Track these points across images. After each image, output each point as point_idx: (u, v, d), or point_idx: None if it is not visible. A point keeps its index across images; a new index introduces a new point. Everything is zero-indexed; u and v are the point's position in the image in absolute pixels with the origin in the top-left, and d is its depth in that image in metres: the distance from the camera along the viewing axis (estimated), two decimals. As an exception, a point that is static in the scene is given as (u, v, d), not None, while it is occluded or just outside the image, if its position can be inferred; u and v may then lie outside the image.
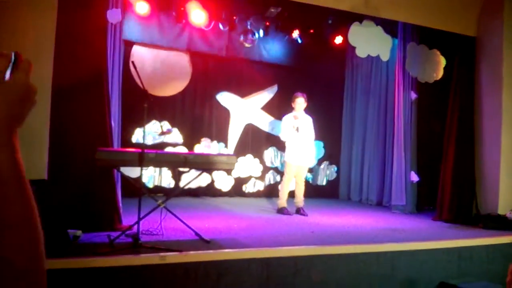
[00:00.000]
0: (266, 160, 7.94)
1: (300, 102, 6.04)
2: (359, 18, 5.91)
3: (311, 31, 7.70)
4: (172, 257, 3.31)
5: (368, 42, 5.87)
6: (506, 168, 5.88)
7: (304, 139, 6.01)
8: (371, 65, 7.96)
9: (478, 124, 6.14)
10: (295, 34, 7.61)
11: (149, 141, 6.96)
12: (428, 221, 5.94)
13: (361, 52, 6.12)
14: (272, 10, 7.02)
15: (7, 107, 0.72)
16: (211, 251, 3.55)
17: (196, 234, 3.98)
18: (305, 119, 6.07)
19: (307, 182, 8.09)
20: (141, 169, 3.75)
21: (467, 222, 5.81)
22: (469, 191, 5.99)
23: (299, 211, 6.02)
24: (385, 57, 6.26)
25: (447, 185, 6.07)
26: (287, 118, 6.11)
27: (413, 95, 6.62)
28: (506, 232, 5.17)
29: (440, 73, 6.25)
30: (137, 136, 6.83)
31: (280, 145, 7.15)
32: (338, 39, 7.65)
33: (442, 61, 6.27)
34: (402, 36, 6.41)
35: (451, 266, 4.50)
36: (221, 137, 7.70)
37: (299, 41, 7.69)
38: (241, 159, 7.71)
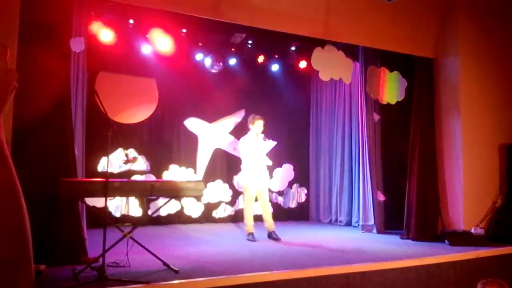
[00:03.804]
0: (236, 184, 7.91)
1: (260, 125, 6.02)
2: (322, 43, 6.07)
3: (276, 56, 7.86)
4: (139, 289, 3.23)
5: (330, 66, 5.99)
6: (468, 185, 6.06)
7: (259, 161, 5.98)
8: (335, 88, 8.14)
9: (439, 143, 6.34)
10: (261, 59, 7.74)
11: (116, 170, 6.84)
12: (396, 240, 6.03)
13: (324, 76, 6.24)
14: (237, 36, 7.14)
15: None
16: (179, 280, 3.48)
17: (164, 264, 3.90)
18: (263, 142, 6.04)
19: (278, 205, 8.15)
20: (106, 199, 3.68)
21: (433, 239, 5.93)
22: (434, 208, 6.13)
23: (271, 235, 5.92)
24: (347, 80, 6.40)
25: (412, 203, 6.18)
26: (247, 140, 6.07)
27: (376, 117, 6.79)
28: (471, 248, 5.29)
29: (402, 95, 6.43)
30: (102, 165, 6.73)
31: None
32: (302, 64, 7.82)
33: (403, 83, 6.46)
34: (363, 60, 6.60)
35: (420, 284, 4.56)
36: (190, 163, 7.65)
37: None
38: (210, 184, 7.66)
